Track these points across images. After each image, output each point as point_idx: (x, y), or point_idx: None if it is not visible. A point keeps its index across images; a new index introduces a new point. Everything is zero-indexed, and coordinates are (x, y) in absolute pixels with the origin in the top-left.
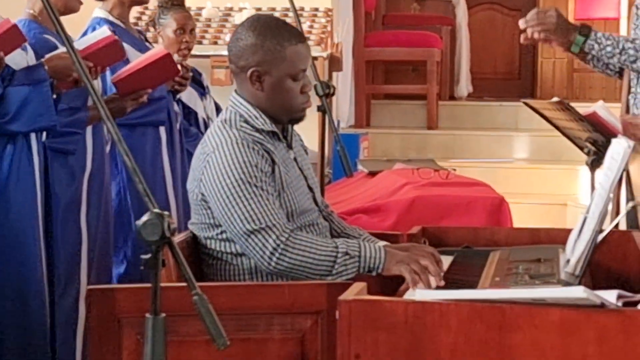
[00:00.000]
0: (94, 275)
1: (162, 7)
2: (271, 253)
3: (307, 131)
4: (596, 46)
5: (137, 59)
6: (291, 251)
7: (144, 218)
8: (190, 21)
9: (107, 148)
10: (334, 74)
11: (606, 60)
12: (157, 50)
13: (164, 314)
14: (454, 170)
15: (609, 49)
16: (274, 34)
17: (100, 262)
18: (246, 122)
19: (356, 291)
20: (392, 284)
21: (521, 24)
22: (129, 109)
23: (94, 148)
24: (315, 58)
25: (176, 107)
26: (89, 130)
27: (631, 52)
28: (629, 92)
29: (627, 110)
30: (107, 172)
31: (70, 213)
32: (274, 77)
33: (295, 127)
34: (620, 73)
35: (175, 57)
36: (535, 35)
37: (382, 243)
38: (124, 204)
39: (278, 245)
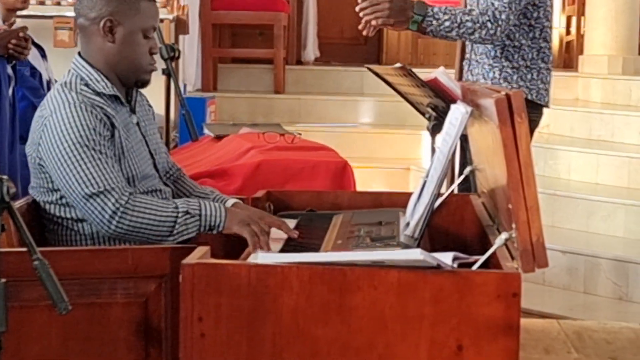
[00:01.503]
0: None
1: None
2: (110, 216)
3: (153, 95)
4: (434, 22)
5: None
6: (131, 213)
7: None
8: None
9: None
10: (180, 37)
11: (445, 34)
12: None
13: (4, 279)
14: (300, 134)
15: (447, 23)
16: None
17: None
18: (87, 85)
19: (199, 255)
20: (236, 248)
21: (358, 10)
22: None
23: None
24: (161, 20)
25: (10, 71)
26: None
27: (469, 24)
28: (462, 59)
29: (460, 76)
30: None
31: None
32: (127, 29)
33: (142, 90)
34: None
35: (18, 22)
36: (373, 22)
37: (232, 201)
38: None
39: (118, 208)
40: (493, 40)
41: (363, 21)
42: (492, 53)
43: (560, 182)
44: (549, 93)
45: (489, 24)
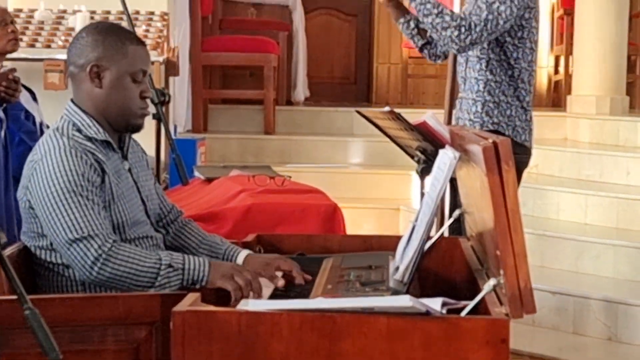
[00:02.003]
0: None
1: None
2: (92, 263)
3: (144, 137)
4: None
5: None
6: (113, 262)
7: None
8: (7, 14)
9: None
10: (171, 78)
11: (422, 15)
12: None
13: None
14: (290, 177)
15: (429, 6)
16: (116, 32)
17: None
18: (79, 130)
19: (190, 302)
20: (227, 293)
21: None
22: None
23: None
24: (151, 63)
25: (1, 114)
26: None
27: (447, 18)
28: (452, 101)
29: (450, 116)
30: None
31: None
32: (114, 73)
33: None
34: (421, 49)
35: (7, 65)
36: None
37: (245, 252)
38: None
39: (100, 255)
40: (459, 48)
41: None
42: (475, 87)
43: (549, 223)
44: (527, 132)
45: (462, 29)
